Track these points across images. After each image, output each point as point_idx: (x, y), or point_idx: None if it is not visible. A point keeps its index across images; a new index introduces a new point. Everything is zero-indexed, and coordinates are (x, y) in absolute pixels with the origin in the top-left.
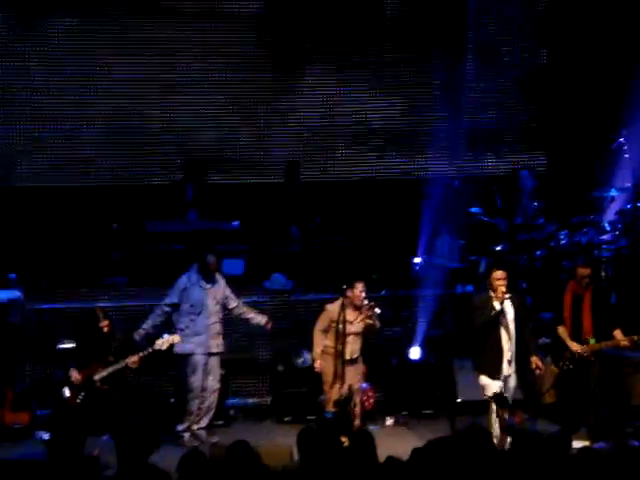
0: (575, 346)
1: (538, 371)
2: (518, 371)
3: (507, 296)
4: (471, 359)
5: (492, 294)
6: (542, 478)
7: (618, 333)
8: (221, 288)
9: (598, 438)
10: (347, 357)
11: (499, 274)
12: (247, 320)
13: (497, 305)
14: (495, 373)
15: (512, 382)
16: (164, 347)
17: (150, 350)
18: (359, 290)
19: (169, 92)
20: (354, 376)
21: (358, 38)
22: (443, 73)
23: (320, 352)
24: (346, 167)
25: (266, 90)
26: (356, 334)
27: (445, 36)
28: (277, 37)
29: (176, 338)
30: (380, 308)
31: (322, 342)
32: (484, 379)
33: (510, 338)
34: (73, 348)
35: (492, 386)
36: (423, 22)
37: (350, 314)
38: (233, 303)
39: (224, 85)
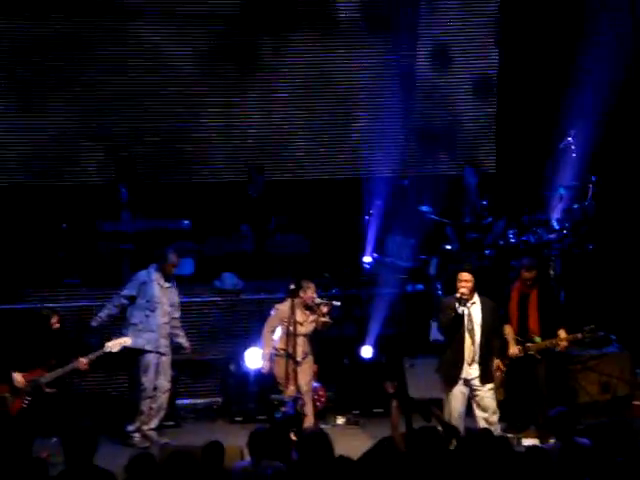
0: (512, 348)
1: (498, 373)
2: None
3: (465, 298)
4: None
5: (457, 295)
6: (490, 476)
7: (562, 332)
8: (174, 293)
9: (547, 436)
10: (298, 358)
11: (463, 276)
12: (174, 335)
13: (458, 307)
14: (451, 376)
15: (480, 384)
16: (115, 349)
17: (100, 352)
18: (311, 291)
19: (119, 90)
20: (305, 376)
21: (307, 39)
22: (395, 72)
23: (268, 353)
24: (297, 167)
25: (220, 87)
26: (306, 335)
27: (397, 36)
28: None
29: (127, 340)
30: (331, 306)
31: (271, 343)
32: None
33: (473, 342)
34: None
35: (451, 392)
36: (374, 24)
37: (300, 315)
38: (176, 313)
39: (175, 81)
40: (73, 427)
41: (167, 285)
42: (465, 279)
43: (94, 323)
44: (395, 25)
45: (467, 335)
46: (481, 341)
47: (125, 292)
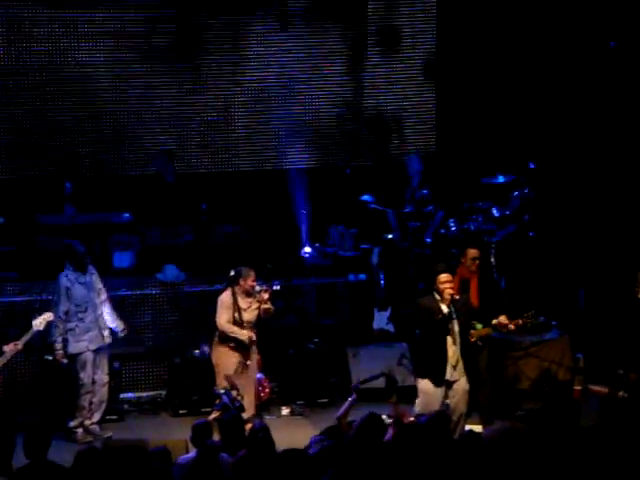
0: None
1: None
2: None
3: (456, 297)
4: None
5: (438, 297)
6: (428, 465)
7: (504, 318)
8: (95, 278)
9: (490, 422)
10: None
11: (444, 277)
12: (108, 321)
13: (444, 308)
14: (438, 379)
15: (462, 385)
16: (42, 327)
17: (31, 333)
18: (251, 279)
19: (59, 83)
20: (252, 365)
21: (252, 34)
22: (335, 60)
23: (247, 335)
24: (238, 157)
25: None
26: (250, 322)
27: (345, 21)
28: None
29: (50, 315)
30: (273, 296)
31: (238, 329)
32: (424, 384)
33: (455, 342)
34: None
35: (431, 395)
36: (324, 13)
37: (242, 302)
38: (103, 296)
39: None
40: (28, 423)
41: (87, 279)
42: (447, 280)
43: (49, 339)
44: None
45: (450, 340)
46: (461, 339)
47: (61, 309)
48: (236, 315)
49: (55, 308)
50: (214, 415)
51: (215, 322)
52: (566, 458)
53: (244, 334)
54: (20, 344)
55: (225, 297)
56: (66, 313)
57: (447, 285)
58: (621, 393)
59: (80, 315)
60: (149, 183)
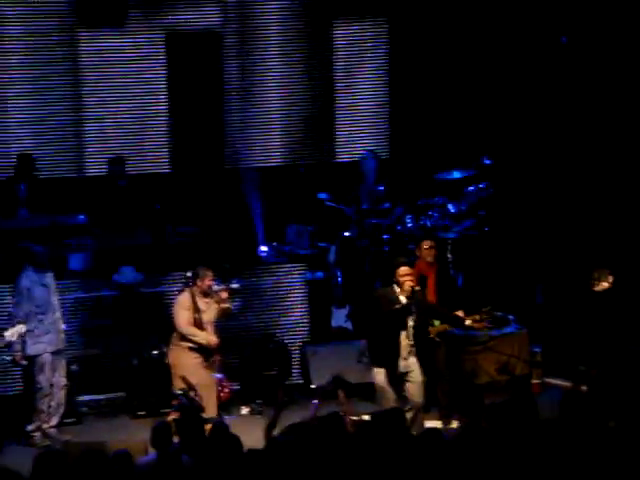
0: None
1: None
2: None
3: (417, 289)
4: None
5: (397, 289)
6: (388, 460)
7: (460, 314)
8: (52, 279)
9: (449, 418)
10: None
11: (404, 270)
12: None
13: (403, 299)
14: (391, 370)
15: (416, 377)
16: (15, 338)
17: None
18: (209, 278)
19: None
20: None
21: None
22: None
23: (206, 337)
24: (192, 156)
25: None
26: (209, 322)
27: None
28: None
29: (23, 327)
30: (231, 295)
31: (198, 331)
32: (380, 377)
33: (408, 335)
34: None
35: (386, 388)
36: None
37: (201, 302)
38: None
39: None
40: None
41: (48, 281)
42: (407, 273)
43: (5, 339)
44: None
45: (404, 332)
46: (415, 331)
47: (22, 309)
48: (196, 316)
49: (16, 309)
50: (172, 416)
51: (173, 324)
52: (526, 451)
53: (204, 338)
54: None
55: (183, 298)
56: (26, 315)
57: (407, 278)
58: (583, 388)
59: (40, 317)
60: (103, 185)
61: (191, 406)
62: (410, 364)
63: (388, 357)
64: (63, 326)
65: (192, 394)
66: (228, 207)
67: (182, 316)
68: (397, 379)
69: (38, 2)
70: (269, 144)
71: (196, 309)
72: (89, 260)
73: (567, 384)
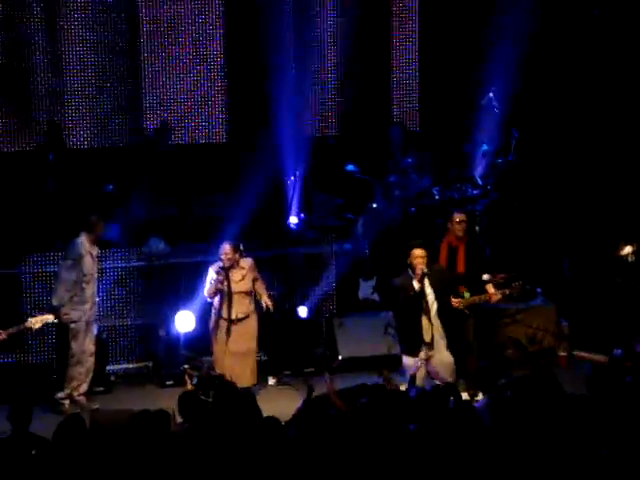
0: (453, 301)
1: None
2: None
3: (426, 271)
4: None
5: (412, 274)
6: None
7: (490, 287)
8: (98, 251)
9: (477, 390)
10: (233, 317)
11: (417, 252)
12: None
13: (416, 285)
14: (413, 355)
15: (443, 359)
16: (36, 326)
17: (21, 327)
18: (225, 252)
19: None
20: (241, 335)
21: None
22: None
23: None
24: (215, 128)
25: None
26: (240, 293)
27: None
28: None
29: (50, 317)
30: (260, 268)
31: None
32: (407, 361)
33: (430, 319)
34: None
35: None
36: None
37: (234, 273)
38: None
39: None
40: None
41: (96, 253)
42: (420, 255)
43: (55, 302)
44: None
45: (423, 314)
46: (437, 322)
47: (73, 270)
48: (220, 286)
49: (66, 272)
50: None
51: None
52: (552, 425)
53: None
54: (4, 334)
55: (209, 269)
56: (74, 282)
57: (419, 260)
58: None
59: (83, 285)
60: (133, 155)
61: (207, 376)
62: (437, 347)
63: (411, 344)
64: (97, 298)
65: (207, 366)
66: (260, 178)
67: (205, 286)
68: (423, 363)
69: None
70: (301, 115)
71: (227, 280)
72: (118, 230)
73: (595, 357)
